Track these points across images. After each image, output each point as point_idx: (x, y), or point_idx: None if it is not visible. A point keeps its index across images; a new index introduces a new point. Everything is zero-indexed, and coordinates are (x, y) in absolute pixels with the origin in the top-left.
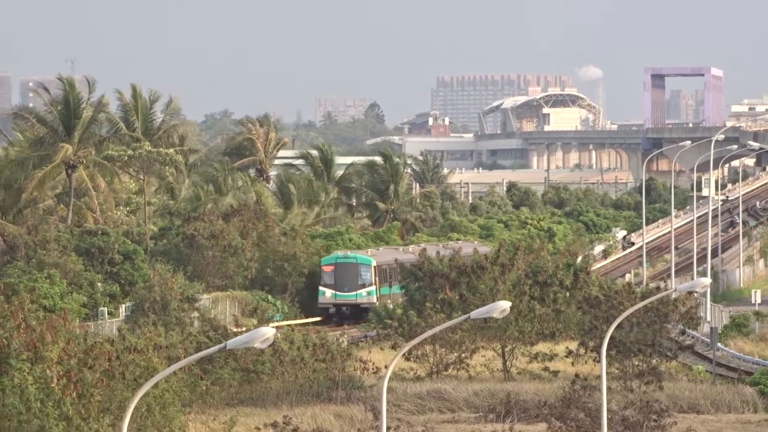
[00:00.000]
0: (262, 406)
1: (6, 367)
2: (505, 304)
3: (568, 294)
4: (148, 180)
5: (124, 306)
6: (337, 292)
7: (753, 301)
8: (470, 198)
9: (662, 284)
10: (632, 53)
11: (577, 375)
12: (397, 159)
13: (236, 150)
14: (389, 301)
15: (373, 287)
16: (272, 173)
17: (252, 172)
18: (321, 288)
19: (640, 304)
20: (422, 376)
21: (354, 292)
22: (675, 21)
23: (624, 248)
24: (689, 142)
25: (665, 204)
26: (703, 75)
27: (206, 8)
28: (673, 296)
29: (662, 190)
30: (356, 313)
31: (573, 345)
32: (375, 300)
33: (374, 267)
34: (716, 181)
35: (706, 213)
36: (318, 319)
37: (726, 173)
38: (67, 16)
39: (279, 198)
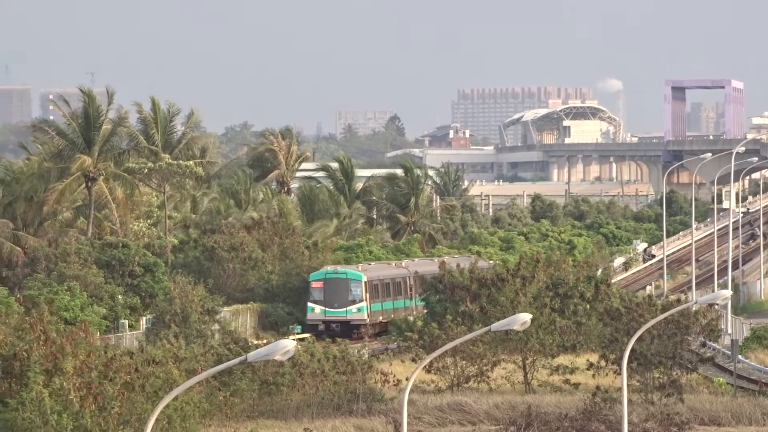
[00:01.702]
0: (283, 419)
1: (25, 379)
2: (525, 317)
3: (588, 306)
4: (171, 193)
5: (144, 318)
6: (327, 309)
7: None
8: (491, 210)
9: (683, 296)
10: (653, 66)
11: (597, 387)
12: (418, 171)
13: (258, 162)
14: (381, 318)
15: (364, 303)
16: (293, 186)
17: (273, 184)
18: (310, 304)
19: (661, 317)
20: (443, 389)
21: (344, 309)
22: (695, 33)
23: (645, 260)
24: (710, 154)
25: (686, 216)
26: (723, 87)
27: (227, 21)
28: (694, 308)
29: (683, 203)
30: (346, 330)
31: (594, 357)
32: (366, 317)
33: (365, 282)
34: (737, 194)
35: (727, 225)
36: (307, 335)
37: (747, 185)
38: (88, 29)
39: (301, 211)
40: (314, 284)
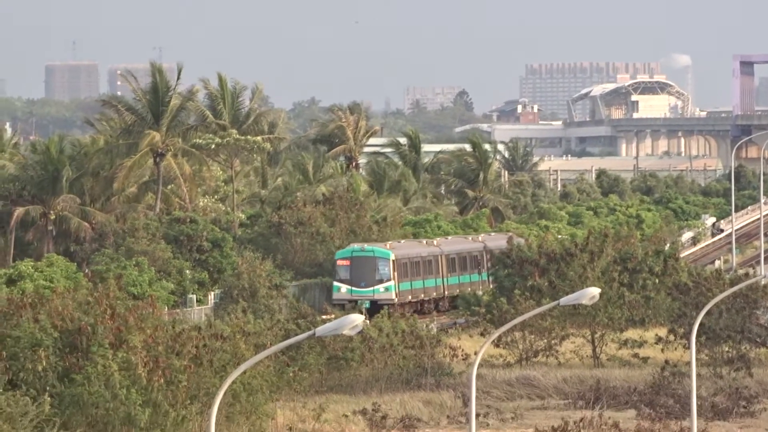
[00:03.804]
0: (351, 393)
1: (90, 354)
2: (594, 291)
3: (657, 281)
4: (241, 168)
5: (212, 293)
6: (353, 288)
7: None
8: (559, 185)
9: (751, 271)
10: (721, 40)
11: (666, 361)
12: (487, 146)
13: (326, 138)
14: (410, 298)
15: (392, 282)
16: (361, 161)
17: (341, 159)
18: (336, 283)
19: (729, 291)
20: (512, 363)
21: (371, 288)
22: (764, 7)
23: (713, 235)
24: None
25: (754, 191)
26: None
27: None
28: (763, 282)
29: (751, 177)
30: (374, 311)
31: (662, 331)
32: (394, 296)
33: (393, 261)
34: None
35: None
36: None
37: None
38: (154, 4)
39: (370, 186)
40: (340, 262)
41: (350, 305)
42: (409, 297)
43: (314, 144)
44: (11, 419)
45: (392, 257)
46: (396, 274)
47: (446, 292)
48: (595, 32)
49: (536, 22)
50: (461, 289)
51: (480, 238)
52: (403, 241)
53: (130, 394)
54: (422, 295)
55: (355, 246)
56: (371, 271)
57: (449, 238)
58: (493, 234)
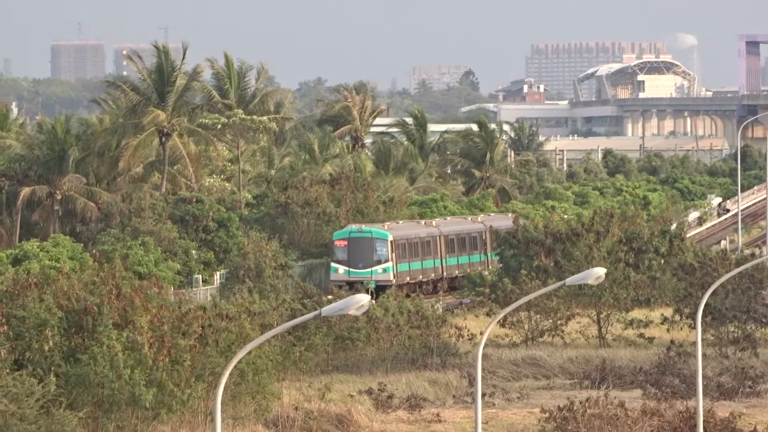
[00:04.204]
0: (357, 373)
1: (96, 334)
2: (600, 271)
3: (663, 261)
4: (246, 148)
5: (218, 273)
6: (351, 269)
7: None
8: (565, 165)
9: (757, 251)
10: (727, 20)
11: (672, 341)
12: (493, 126)
13: (332, 118)
14: (408, 279)
15: (390, 264)
16: (366, 141)
17: (347, 139)
18: (333, 264)
19: (735, 271)
20: (517, 343)
21: (369, 269)
22: None
23: (719, 215)
24: None
25: (761, 171)
26: None
27: None
28: None
29: (758, 157)
30: (371, 292)
31: (668, 312)
32: (392, 277)
33: (391, 242)
34: None
35: None
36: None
37: None
38: None
39: (377, 166)
40: (338, 243)
41: (347, 287)
42: (407, 278)
43: (320, 124)
44: (17, 399)
45: (390, 238)
46: (394, 255)
47: (445, 273)
48: (601, 12)
49: (542, 2)
50: (460, 270)
51: (480, 219)
52: (401, 221)
53: (134, 374)
54: (420, 277)
55: (353, 227)
56: (369, 252)
57: (448, 218)
58: (493, 214)
